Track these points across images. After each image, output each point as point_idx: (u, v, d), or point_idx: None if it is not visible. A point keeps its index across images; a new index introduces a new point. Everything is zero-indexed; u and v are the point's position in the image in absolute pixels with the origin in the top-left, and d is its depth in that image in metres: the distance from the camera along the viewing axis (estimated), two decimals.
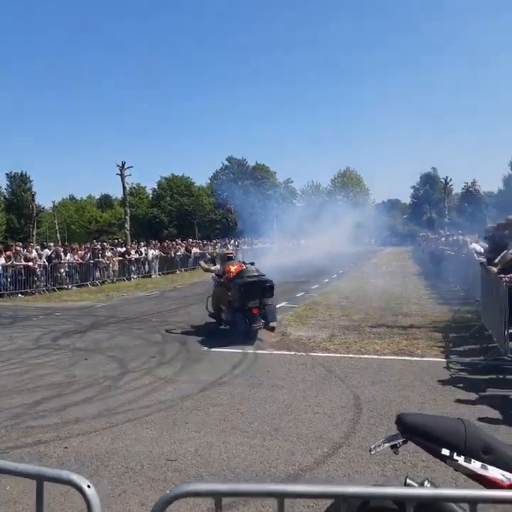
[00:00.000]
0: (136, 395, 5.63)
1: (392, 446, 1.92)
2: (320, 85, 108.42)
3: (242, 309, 8.57)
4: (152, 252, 25.45)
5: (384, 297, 13.18)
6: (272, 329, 8.80)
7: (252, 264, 10.02)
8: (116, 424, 4.74)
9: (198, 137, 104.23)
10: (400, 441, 1.90)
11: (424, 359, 6.84)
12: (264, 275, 9.24)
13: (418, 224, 64.67)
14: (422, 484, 1.89)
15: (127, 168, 39.79)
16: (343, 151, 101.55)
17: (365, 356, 7.09)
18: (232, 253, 10.84)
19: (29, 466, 1.49)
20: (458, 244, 15.60)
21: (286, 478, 3.62)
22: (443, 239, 23.19)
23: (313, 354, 7.31)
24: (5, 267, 16.70)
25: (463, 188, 71.47)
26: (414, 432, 1.86)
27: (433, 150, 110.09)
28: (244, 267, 9.51)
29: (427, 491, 1.58)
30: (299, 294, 14.63)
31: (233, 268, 9.37)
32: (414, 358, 6.89)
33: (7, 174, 61.85)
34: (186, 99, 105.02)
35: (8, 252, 17.30)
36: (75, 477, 1.38)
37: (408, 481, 1.91)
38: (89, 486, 1.37)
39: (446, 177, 67.14)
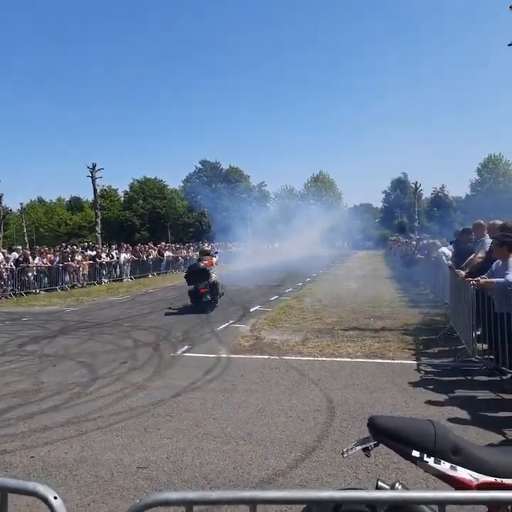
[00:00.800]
0: (107, 401, 5.51)
1: (364, 449, 1.93)
2: (296, 89, 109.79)
3: (194, 289, 12.18)
4: (124, 256, 25.04)
5: (357, 300, 13.37)
6: (215, 301, 12.58)
7: (216, 253, 15.23)
8: (86, 432, 4.63)
9: (171, 140, 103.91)
10: (371, 443, 1.92)
11: (396, 361, 6.95)
12: (206, 267, 12.45)
13: (390, 228, 66.04)
14: (393, 486, 1.92)
15: (98, 170, 39.10)
16: (316, 155, 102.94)
17: (338, 359, 7.14)
18: (209, 250, 15.02)
19: None
20: (428, 248, 15.93)
21: (260, 483, 3.61)
22: (413, 243, 23.69)
23: (286, 358, 7.32)
24: None
25: (432, 193, 73.28)
26: (385, 434, 1.88)
27: (404, 156, 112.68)
28: (212, 261, 13.06)
29: (397, 493, 1.61)
30: (273, 298, 14.67)
31: (205, 260, 12.87)
32: (386, 361, 6.99)
33: None
34: (159, 101, 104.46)
35: None
36: (41, 488, 1.33)
37: (379, 483, 1.93)
38: (56, 498, 1.32)
39: (416, 182, 68.57)
